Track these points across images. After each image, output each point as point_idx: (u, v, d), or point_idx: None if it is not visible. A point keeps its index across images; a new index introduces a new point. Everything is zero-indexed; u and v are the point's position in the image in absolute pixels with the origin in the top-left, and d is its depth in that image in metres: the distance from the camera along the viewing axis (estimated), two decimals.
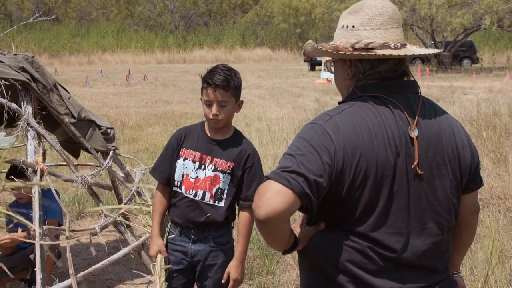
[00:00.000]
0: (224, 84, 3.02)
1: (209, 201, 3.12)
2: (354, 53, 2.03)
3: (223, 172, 3.12)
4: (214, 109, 3.04)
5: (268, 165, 7.92)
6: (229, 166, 3.13)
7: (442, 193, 2.06)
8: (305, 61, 38.18)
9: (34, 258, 3.69)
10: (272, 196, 1.81)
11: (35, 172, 3.88)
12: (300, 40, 54.10)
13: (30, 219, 3.73)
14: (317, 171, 1.86)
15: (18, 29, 41.30)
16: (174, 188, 3.18)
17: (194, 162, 3.14)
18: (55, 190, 4.36)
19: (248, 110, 15.25)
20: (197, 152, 3.14)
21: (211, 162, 3.13)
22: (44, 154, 4.33)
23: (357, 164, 1.92)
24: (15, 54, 4.45)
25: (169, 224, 3.29)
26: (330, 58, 2.24)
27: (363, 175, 1.93)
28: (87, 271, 3.92)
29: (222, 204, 3.15)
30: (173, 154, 3.19)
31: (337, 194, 1.95)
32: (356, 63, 2.09)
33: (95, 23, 59.52)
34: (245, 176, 3.16)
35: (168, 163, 3.21)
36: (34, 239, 3.67)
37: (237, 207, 3.28)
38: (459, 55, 35.83)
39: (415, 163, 1.97)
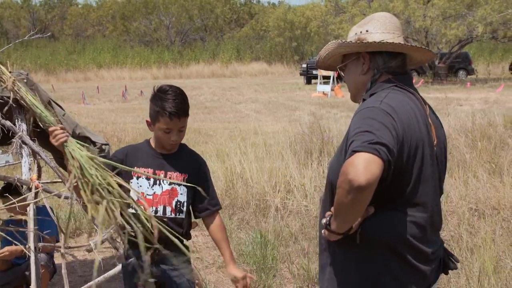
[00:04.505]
0: (185, 111, 3.06)
1: (171, 214, 3.12)
2: (377, 41, 2.37)
3: (179, 184, 3.13)
4: (174, 136, 3.07)
5: (264, 179, 7.91)
6: (183, 177, 3.15)
7: (443, 164, 2.49)
8: (301, 74, 38.26)
9: (29, 275, 3.69)
10: (369, 165, 2.02)
11: (30, 189, 3.88)
12: (296, 53, 54.27)
13: (25, 236, 3.73)
14: (392, 142, 2.11)
15: (14, 47, 41.42)
16: (130, 210, 3.09)
17: (148, 179, 3.13)
18: (50, 207, 4.36)
19: (244, 125, 15.26)
20: (149, 169, 3.12)
21: (165, 176, 3.12)
22: (39, 171, 4.33)
23: (410, 137, 2.22)
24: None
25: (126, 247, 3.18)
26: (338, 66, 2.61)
27: (415, 147, 2.24)
28: (82, 287, 3.92)
29: (183, 215, 3.16)
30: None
31: (398, 165, 2.18)
32: (372, 58, 2.43)
33: (91, 40, 59.69)
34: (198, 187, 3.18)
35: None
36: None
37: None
38: (454, 66, 35.95)
39: (435, 142, 2.36)
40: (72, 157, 2.82)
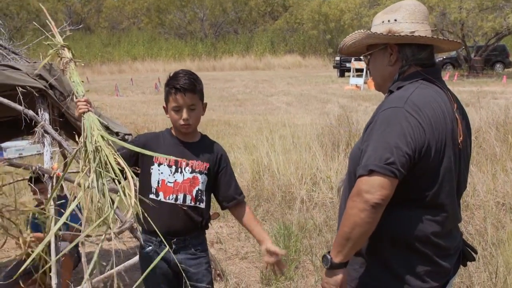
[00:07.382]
0: (192, 87, 3.06)
1: (191, 203, 3.10)
2: (408, 34, 2.31)
3: (200, 173, 3.11)
4: (185, 113, 3.05)
5: (290, 171, 7.90)
6: (205, 166, 3.13)
7: (468, 159, 2.46)
8: (334, 67, 38.03)
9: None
10: (384, 185, 2.10)
11: (50, 178, 3.94)
12: (330, 46, 53.92)
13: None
14: (409, 152, 2.16)
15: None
16: (151, 196, 3.08)
17: (170, 166, 3.10)
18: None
19: (274, 117, 15.24)
20: (171, 157, 3.08)
21: (187, 165, 3.10)
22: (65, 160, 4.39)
23: (437, 135, 2.21)
24: (35, 62, 4.52)
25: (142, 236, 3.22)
26: (364, 53, 2.58)
27: (441, 145, 2.23)
28: (101, 276, 3.95)
29: (203, 205, 3.14)
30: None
31: (424, 165, 2.19)
32: (401, 49, 2.37)
33: (126, 32, 60.23)
34: (221, 177, 3.20)
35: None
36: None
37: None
38: (491, 59, 35.32)
39: (461, 139, 2.33)
40: (84, 129, 2.90)
